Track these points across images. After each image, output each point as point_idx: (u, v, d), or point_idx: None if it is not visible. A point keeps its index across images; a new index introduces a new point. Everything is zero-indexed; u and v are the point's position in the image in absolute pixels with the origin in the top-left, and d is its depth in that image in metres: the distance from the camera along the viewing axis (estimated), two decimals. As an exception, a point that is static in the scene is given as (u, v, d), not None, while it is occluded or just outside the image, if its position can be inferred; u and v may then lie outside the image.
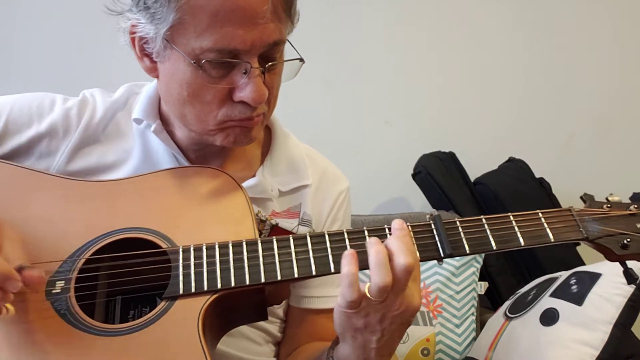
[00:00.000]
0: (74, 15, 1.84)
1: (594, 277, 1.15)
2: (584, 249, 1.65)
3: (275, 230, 0.88)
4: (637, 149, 1.97)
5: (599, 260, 1.19)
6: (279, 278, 0.72)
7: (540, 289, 1.27)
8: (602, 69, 1.97)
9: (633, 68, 1.98)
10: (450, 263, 1.44)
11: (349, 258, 0.68)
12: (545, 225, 0.77)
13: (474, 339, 1.39)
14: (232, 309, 0.77)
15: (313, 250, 0.74)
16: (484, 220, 0.76)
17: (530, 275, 1.56)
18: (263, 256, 0.73)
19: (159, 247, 0.75)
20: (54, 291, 0.72)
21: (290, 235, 0.76)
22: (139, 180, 0.82)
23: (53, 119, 0.88)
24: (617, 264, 1.10)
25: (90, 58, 1.84)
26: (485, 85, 1.99)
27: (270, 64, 0.77)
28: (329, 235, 0.75)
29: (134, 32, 0.78)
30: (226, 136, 0.82)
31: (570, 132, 1.98)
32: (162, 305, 0.72)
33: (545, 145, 1.97)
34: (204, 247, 0.74)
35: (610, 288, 1.10)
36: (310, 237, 0.75)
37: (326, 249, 0.74)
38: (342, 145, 1.93)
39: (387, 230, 0.75)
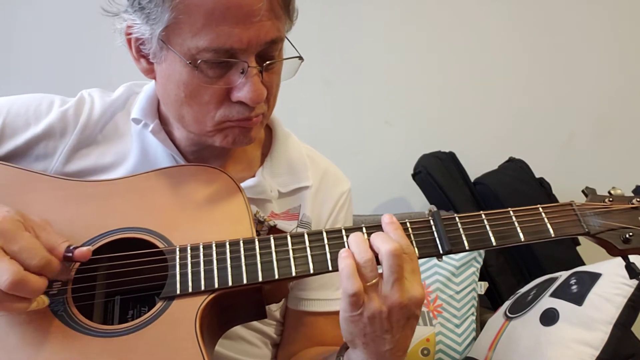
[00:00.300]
0: (73, 15, 1.84)
1: (594, 277, 1.14)
2: (584, 249, 1.64)
3: (274, 231, 0.88)
4: (637, 149, 1.97)
5: (599, 260, 1.19)
6: (276, 277, 0.72)
7: (540, 289, 1.27)
8: (602, 69, 1.97)
9: (633, 68, 1.97)
10: (450, 263, 1.43)
11: (345, 254, 0.69)
12: (546, 220, 0.76)
13: (474, 339, 1.38)
14: (230, 308, 0.76)
15: (311, 248, 0.73)
16: (483, 216, 0.76)
17: (530, 275, 1.56)
18: (260, 255, 0.73)
19: (156, 246, 0.75)
20: (50, 292, 0.71)
21: (288, 233, 0.76)
22: (136, 180, 0.82)
23: (50, 121, 0.87)
24: (617, 264, 1.10)
25: (90, 58, 1.84)
26: (485, 85, 1.98)
27: (268, 62, 0.76)
28: (326, 232, 0.74)
29: (130, 34, 0.78)
30: (225, 137, 0.81)
31: (570, 132, 1.98)
32: (159, 305, 0.71)
33: (545, 145, 1.97)
34: (201, 247, 0.74)
35: (610, 288, 1.10)
36: (308, 235, 0.74)
37: (324, 246, 0.73)
38: (342, 145, 1.93)
39: None
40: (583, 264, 1.57)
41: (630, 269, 0.76)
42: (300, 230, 0.92)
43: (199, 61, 0.73)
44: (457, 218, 0.76)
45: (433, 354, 1.36)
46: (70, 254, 0.69)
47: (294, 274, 0.72)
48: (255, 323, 0.92)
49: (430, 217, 0.75)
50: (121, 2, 0.78)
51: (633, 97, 1.97)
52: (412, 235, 0.74)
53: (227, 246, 0.74)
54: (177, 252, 0.74)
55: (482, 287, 1.46)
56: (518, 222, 0.76)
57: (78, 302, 0.73)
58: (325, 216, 0.97)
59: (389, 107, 1.98)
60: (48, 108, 0.89)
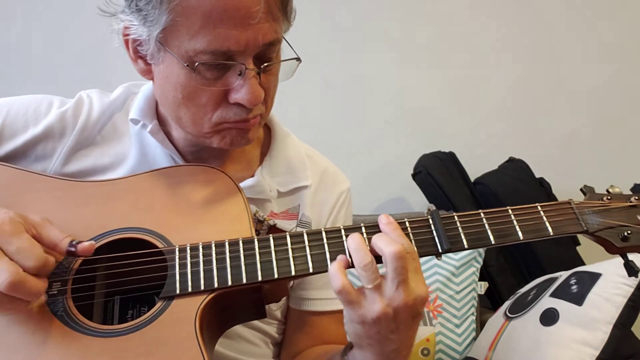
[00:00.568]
0: (73, 15, 1.84)
1: (594, 277, 1.14)
2: (584, 249, 1.64)
3: (273, 231, 0.88)
4: (637, 149, 1.97)
5: (599, 260, 1.19)
6: (276, 276, 0.72)
7: (540, 289, 1.27)
8: (603, 69, 1.97)
9: (633, 68, 1.98)
10: (450, 263, 1.44)
11: (340, 257, 0.71)
12: (545, 218, 0.76)
13: (474, 339, 1.38)
14: (229, 307, 0.76)
15: (310, 247, 0.73)
16: (482, 215, 0.76)
17: (530, 275, 1.56)
18: (260, 254, 0.73)
19: (156, 246, 0.75)
20: (50, 292, 0.71)
21: (287, 232, 0.76)
22: (135, 180, 0.82)
23: (49, 122, 0.87)
24: (617, 264, 1.10)
25: (89, 58, 1.84)
26: (486, 85, 1.99)
27: (265, 64, 0.76)
28: (325, 232, 0.74)
29: (127, 35, 0.78)
30: (222, 138, 0.81)
31: (570, 131, 1.98)
32: (159, 305, 0.71)
33: (545, 145, 1.97)
34: (200, 246, 0.74)
35: (610, 288, 1.10)
36: (307, 234, 0.74)
37: (323, 245, 0.73)
38: (342, 145, 1.93)
39: None
40: (583, 264, 1.57)
41: (629, 266, 0.77)
42: (299, 229, 0.92)
43: (196, 63, 0.73)
44: (456, 217, 0.75)
45: (433, 354, 1.36)
46: (73, 249, 0.69)
47: (293, 274, 0.72)
48: (255, 322, 0.92)
49: (429, 216, 0.75)
50: (118, 2, 0.78)
51: (633, 97, 1.98)
52: (411, 235, 0.74)
53: (227, 246, 0.74)
54: (177, 252, 0.74)
55: (482, 287, 1.46)
56: (517, 220, 0.76)
57: (78, 302, 0.73)
58: (324, 215, 0.97)
59: (389, 107, 1.98)
60: (47, 109, 0.89)
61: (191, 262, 0.73)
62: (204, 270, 0.72)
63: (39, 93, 0.92)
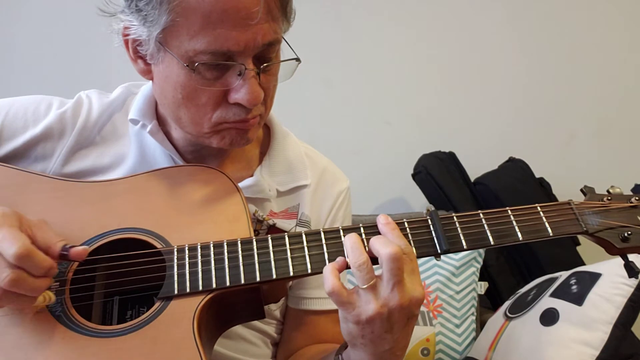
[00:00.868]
0: (73, 15, 1.84)
1: (594, 277, 1.14)
2: (584, 249, 1.64)
3: (273, 230, 0.88)
4: (637, 149, 1.96)
5: (599, 260, 1.19)
6: (274, 277, 0.72)
7: (540, 289, 1.27)
8: (603, 69, 1.97)
9: (633, 68, 1.97)
10: (450, 263, 1.43)
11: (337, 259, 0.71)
12: (544, 219, 0.76)
13: (474, 339, 1.38)
14: (228, 308, 0.76)
15: (308, 247, 0.73)
16: (481, 215, 0.76)
17: (530, 275, 1.56)
18: (258, 254, 0.73)
19: (154, 247, 0.75)
20: None
21: (286, 233, 0.76)
22: (135, 180, 0.82)
23: (48, 122, 0.87)
24: (617, 264, 1.10)
25: (89, 58, 1.84)
26: (485, 85, 1.98)
27: (265, 64, 0.76)
28: (324, 232, 0.74)
29: (127, 35, 0.78)
30: (222, 138, 0.81)
31: (571, 132, 1.98)
32: (157, 305, 0.71)
33: (545, 145, 1.97)
34: (199, 247, 0.74)
35: (610, 288, 1.10)
36: (306, 234, 0.74)
37: (322, 246, 0.73)
38: (342, 145, 1.93)
39: None
40: (583, 264, 1.57)
41: (629, 267, 0.76)
42: (299, 229, 0.92)
43: (196, 63, 0.73)
44: (455, 217, 0.75)
45: (433, 354, 1.36)
46: (66, 253, 0.69)
47: (291, 274, 0.72)
48: (255, 322, 0.92)
49: (428, 217, 0.75)
50: (118, 2, 0.78)
51: (633, 97, 1.97)
52: (409, 235, 0.74)
53: (225, 246, 0.74)
54: (175, 253, 0.74)
55: (482, 287, 1.46)
56: (516, 221, 0.75)
57: (76, 303, 0.73)
58: (324, 215, 0.97)
59: (389, 107, 1.98)
60: (46, 110, 0.89)
61: (189, 263, 0.73)
62: (202, 271, 0.72)
63: (38, 93, 0.92)
